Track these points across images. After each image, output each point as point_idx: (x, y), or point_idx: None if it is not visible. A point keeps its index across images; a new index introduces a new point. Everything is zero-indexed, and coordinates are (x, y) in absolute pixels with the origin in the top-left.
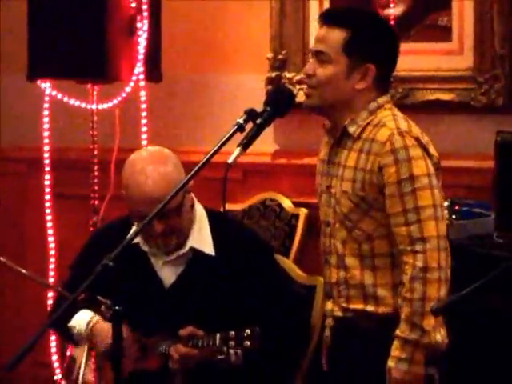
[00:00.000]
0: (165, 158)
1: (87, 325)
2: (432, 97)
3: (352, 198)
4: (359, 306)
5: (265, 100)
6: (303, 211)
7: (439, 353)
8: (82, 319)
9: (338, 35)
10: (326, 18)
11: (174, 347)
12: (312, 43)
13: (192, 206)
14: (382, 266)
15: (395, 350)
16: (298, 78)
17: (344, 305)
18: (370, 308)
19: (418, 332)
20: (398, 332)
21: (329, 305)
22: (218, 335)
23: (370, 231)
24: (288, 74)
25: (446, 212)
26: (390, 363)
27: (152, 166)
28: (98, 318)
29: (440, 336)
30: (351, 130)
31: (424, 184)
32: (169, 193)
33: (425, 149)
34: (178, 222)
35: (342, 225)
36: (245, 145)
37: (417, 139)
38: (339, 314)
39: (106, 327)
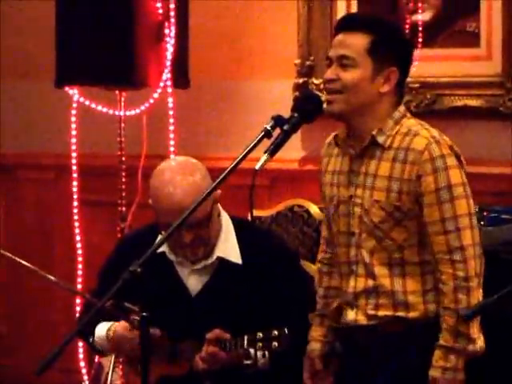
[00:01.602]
0: (193, 167)
1: (106, 336)
2: (460, 103)
3: (386, 207)
4: (389, 313)
5: (292, 106)
6: None
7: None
8: (100, 332)
9: (361, 39)
10: (347, 24)
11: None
12: None
13: (218, 215)
14: (412, 274)
15: (439, 360)
16: None
17: (371, 312)
18: (400, 313)
19: (464, 340)
20: (441, 342)
21: (350, 314)
22: (245, 337)
23: (400, 240)
24: (315, 80)
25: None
26: (435, 373)
27: (180, 176)
28: (113, 328)
29: (481, 342)
30: (381, 139)
31: (460, 193)
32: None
33: (458, 157)
34: (207, 232)
35: (370, 235)
36: (272, 151)
37: (451, 147)
38: (363, 322)
39: (123, 334)
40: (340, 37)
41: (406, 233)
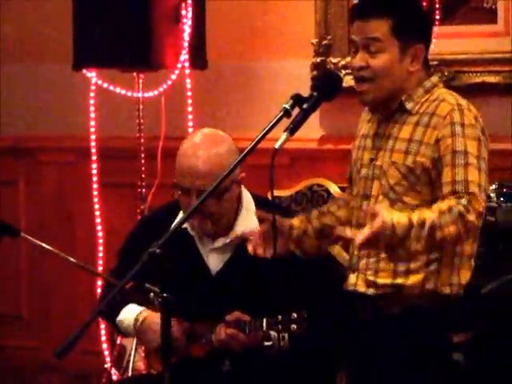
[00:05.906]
0: (219, 138)
1: (134, 321)
2: (478, 79)
3: (401, 168)
4: (387, 281)
5: (312, 84)
6: None
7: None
8: (129, 315)
9: (383, 22)
10: (364, 10)
11: (221, 327)
12: None
13: (239, 195)
14: None
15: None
16: (343, 63)
17: (371, 278)
18: (398, 280)
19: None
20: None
21: (351, 279)
22: (264, 319)
23: (412, 206)
24: (333, 59)
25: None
26: None
27: (205, 144)
28: (145, 314)
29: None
30: (409, 106)
31: (474, 163)
32: (215, 172)
33: (482, 130)
34: (215, 207)
35: (385, 197)
36: (292, 129)
37: (476, 118)
38: (362, 289)
39: (152, 325)
40: (361, 23)
41: (419, 199)
